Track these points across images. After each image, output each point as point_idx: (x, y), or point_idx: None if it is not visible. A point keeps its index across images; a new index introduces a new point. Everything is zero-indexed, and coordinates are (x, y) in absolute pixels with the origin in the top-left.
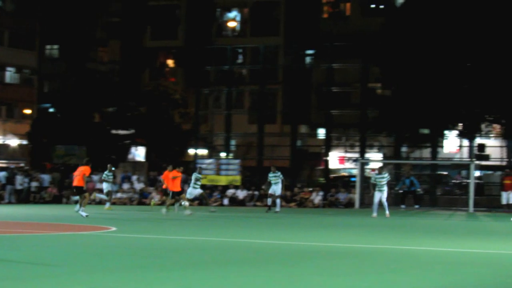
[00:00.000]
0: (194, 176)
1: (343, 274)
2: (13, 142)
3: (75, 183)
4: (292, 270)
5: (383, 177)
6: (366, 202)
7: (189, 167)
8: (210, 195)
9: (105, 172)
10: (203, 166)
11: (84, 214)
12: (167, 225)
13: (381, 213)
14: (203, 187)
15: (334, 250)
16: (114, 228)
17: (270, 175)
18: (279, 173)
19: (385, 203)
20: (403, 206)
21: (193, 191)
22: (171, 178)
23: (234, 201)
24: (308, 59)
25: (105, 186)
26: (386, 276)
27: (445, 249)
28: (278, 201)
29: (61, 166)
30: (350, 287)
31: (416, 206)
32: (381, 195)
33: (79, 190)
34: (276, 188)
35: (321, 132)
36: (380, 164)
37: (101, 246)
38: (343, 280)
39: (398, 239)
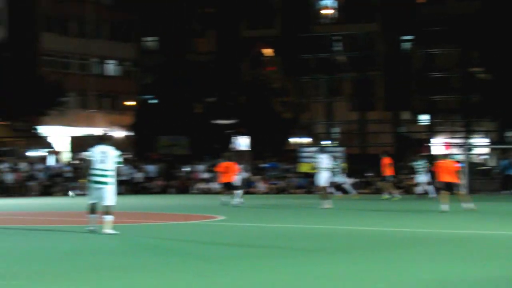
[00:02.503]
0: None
1: (455, 259)
2: (118, 133)
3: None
4: (402, 256)
5: None
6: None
7: (292, 155)
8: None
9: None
10: (307, 154)
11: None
12: (275, 214)
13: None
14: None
15: (443, 236)
16: (222, 217)
17: (415, 163)
18: (423, 161)
19: None
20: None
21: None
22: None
23: (338, 189)
24: (406, 45)
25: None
26: (495, 263)
27: None
28: (430, 187)
29: (166, 157)
30: (462, 274)
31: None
32: None
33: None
34: (421, 177)
35: (423, 118)
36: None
37: (211, 235)
38: (455, 267)
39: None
